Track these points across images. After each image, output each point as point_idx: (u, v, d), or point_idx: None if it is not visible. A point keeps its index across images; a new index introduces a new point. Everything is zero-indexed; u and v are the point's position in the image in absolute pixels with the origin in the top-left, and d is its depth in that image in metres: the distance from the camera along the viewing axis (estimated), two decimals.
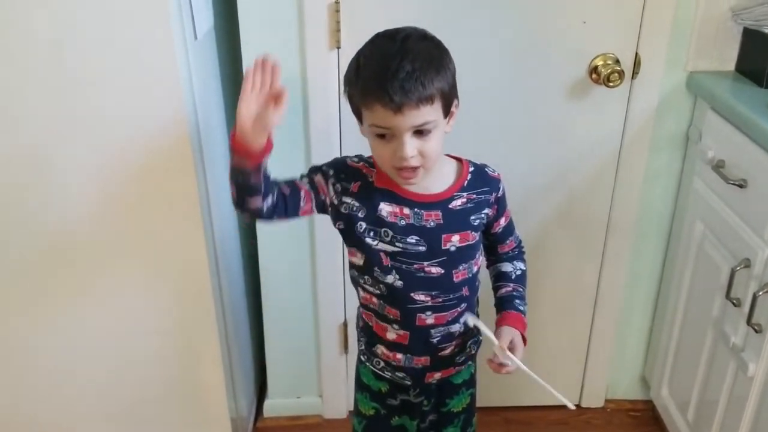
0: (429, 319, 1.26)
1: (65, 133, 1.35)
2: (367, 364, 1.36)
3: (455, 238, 1.22)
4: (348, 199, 1.21)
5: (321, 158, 1.62)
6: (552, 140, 1.69)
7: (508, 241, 1.34)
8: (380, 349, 1.32)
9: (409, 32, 1.13)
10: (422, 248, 1.21)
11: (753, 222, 1.42)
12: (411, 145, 1.10)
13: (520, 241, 1.38)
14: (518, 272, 1.35)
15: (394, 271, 1.22)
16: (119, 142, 1.37)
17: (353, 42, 1.53)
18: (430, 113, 1.09)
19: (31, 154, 1.37)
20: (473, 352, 1.37)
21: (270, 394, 1.99)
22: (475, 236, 1.25)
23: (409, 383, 1.34)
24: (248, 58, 1.57)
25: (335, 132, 1.64)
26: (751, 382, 1.42)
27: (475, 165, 1.27)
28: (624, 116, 1.66)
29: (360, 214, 1.21)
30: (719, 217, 1.54)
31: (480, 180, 1.25)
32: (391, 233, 1.20)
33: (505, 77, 1.62)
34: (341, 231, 1.26)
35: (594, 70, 1.61)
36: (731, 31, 1.61)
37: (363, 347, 1.36)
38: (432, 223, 1.21)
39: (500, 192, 1.28)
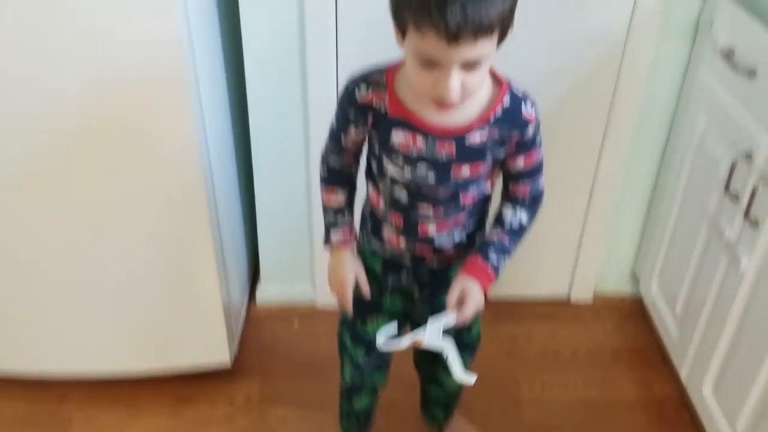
0: (431, 229, 1.24)
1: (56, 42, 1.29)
2: (366, 245, 1.34)
3: (465, 168, 1.15)
4: (366, 127, 1.19)
5: (319, 121, 1.62)
6: (557, 24, 1.62)
7: (521, 184, 1.22)
8: (385, 233, 1.30)
9: None
10: (431, 176, 1.16)
11: (759, 112, 1.38)
12: (456, 80, 1.00)
13: (539, 195, 1.24)
14: (515, 224, 1.23)
15: (402, 185, 1.19)
16: (110, 52, 1.33)
17: None
18: (485, 46, 0.98)
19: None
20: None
21: (262, 280, 2.00)
22: (485, 166, 1.17)
23: (408, 263, 1.31)
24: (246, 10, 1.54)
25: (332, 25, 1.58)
26: (742, 279, 1.43)
27: (513, 96, 1.13)
28: (633, 1, 1.59)
29: (375, 141, 1.19)
30: (723, 109, 1.50)
31: (509, 118, 1.13)
32: (401, 161, 1.15)
33: None
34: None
35: None
36: None
37: (367, 231, 1.34)
38: (444, 156, 1.13)
39: (528, 135, 1.15)
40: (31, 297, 1.62)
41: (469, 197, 1.20)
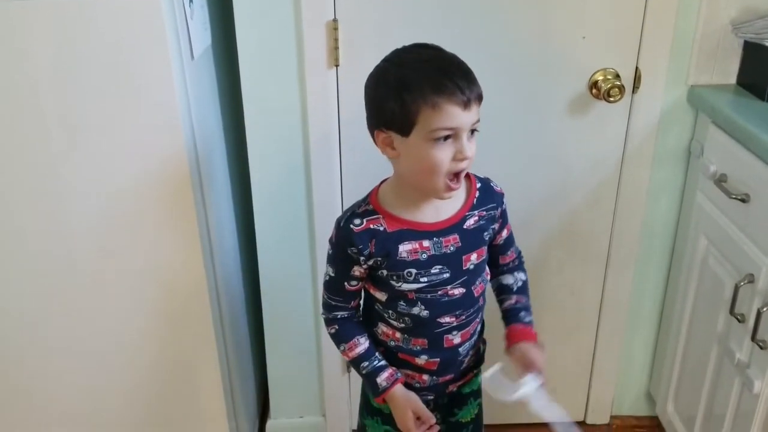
0: (456, 338, 1.27)
1: (64, 151, 1.36)
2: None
3: (473, 256, 1.23)
4: (371, 261, 1.21)
5: (321, 177, 1.65)
6: (553, 155, 1.68)
7: (509, 252, 1.35)
8: (404, 372, 1.30)
9: (429, 44, 1.17)
10: (446, 275, 1.21)
11: (756, 237, 1.41)
12: (472, 143, 1.12)
13: (520, 252, 1.39)
14: (519, 283, 1.36)
15: (419, 302, 1.23)
16: (117, 163, 1.37)
17: (352, 60, 1.54)
18: (479, 111, 1.13)
19: (33, 172, 1.38)
20: (483, 350, 1.39)
21: (272, 414, 1.97)
22: (486, 249, 1.27)
23: (431, 397, 1.33)
24: (246, 77, 1.57)
25: (335, 150, 1.64)
26: (757, 399, 1.41)
27: (480, 180, 1.27)
28: (625, 131, 1.65)
29: (382, 265, 1.21)
30: (722, 231, 1.52)
31: (487, 196, 1.26)
32: (414, 271, 1.20)
33: (505, 93, 1.61)
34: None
35: (594, 85, 1.60)
36: (732, 45, 1.60)
37: None
38: (452, 248, 1.21)
39: (504, 206, 1.29)
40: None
41: (479, 288, 1.27)
